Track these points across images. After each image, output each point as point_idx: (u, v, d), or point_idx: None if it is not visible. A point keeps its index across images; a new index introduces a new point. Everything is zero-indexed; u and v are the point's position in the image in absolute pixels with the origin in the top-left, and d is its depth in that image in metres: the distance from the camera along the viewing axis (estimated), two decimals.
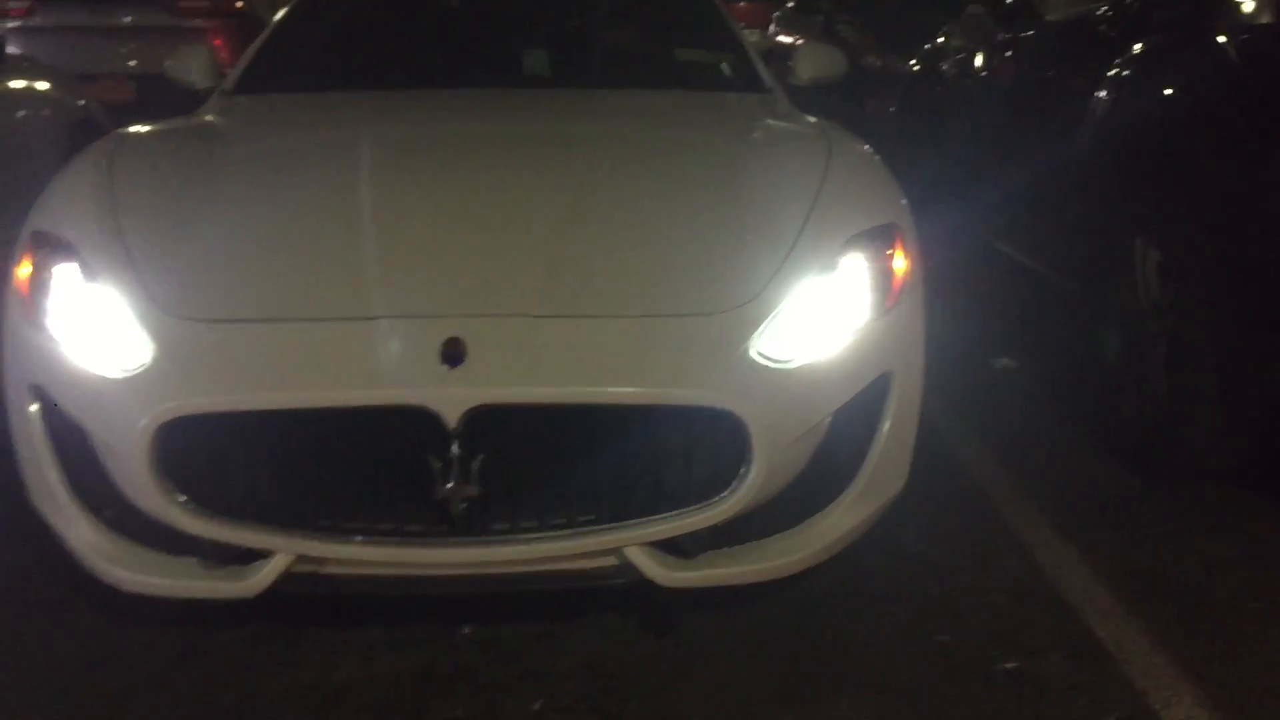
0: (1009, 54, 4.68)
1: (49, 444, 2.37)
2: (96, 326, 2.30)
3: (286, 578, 2.22)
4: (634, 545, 2.23)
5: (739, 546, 2.33)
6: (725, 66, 3.82)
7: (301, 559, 2.22)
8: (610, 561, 2.28)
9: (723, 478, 2.23)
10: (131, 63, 7.77)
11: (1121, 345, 3.29)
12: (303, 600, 2.31)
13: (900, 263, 2.49)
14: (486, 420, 2.12)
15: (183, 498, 2.19)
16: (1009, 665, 2.27)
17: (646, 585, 2.26)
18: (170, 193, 2.59)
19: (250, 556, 2.25)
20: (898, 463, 2.46)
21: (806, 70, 3.74)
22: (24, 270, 2.45)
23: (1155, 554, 2.72)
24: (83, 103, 5.96)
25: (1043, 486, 3.07)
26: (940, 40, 5.90)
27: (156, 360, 2.20)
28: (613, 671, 2.26)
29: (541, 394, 2.16)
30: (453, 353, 2.16)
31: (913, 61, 6.30)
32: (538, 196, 2.59)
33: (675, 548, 2.28)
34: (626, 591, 2.32)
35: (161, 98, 7.56)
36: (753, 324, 2.28)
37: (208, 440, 2.18)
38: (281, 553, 2.21)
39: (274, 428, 2.18)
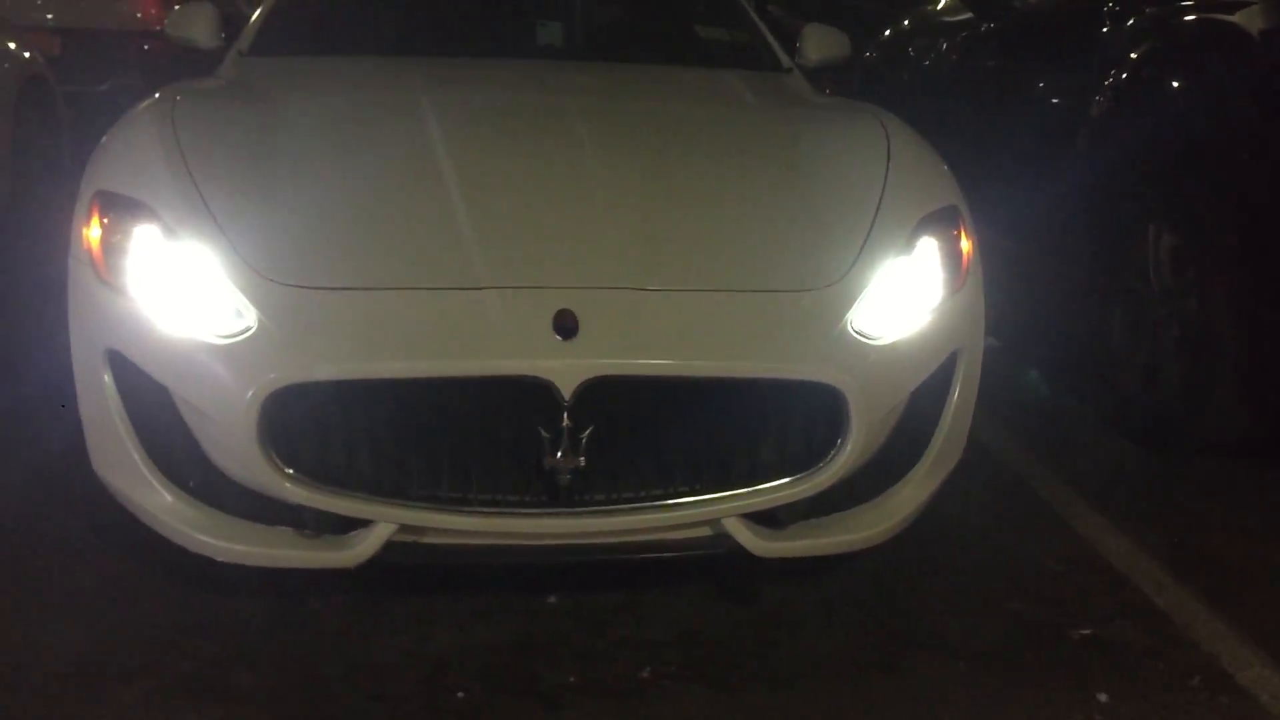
0: (993, 39, 4.79)
1: (124, 411, 2.32)
2: (186, 290, 2.25)
3: (388, 547, 2.21)
4: (731, 516, 2.28)
5: (827, 518, 2.39)
6: (741, 45, 3.86)
7: (403, 529, 2.21)
8: (705, 532, 2.32)
9: (817, 450, 2.28)
10: (49, 15, 7.48)
11: (1130, 328, 3.43)
12: (398, 570, 2.29)
13: (964, 244, 2.57)
14: (597, 392, 2.14)
15: (289, 469, 2.16)
16: (1083, 632, 2.37)
17: (741, 555, 2.31)
18: (242, 155, 2.54)
19: (346, 526, 2.24)
20: (960, 436, 2.55)
21: (814, 51, 3.79)
22: (94, 231, 2.38)
23: (1184, 527, 2.85)
24: (29, 55, 5.74)
25: (1064, 462, 3.19)
26: (905, 24, 6.01)
27: (261, 327, 2.17)
28: (710, 640, 2.30)
29: (655, 367, 2.19)
30: (565, 325, 2.17)
31: (869, 52, 6.37)
32: (617, 169, 2.61)
33: (769, 519, 2.33)
34: (715, 562, 2.38)
35: (89, 53, 7.39)
36: (847, 301, 2.33)
37: (310, 409, 2.16)
38: (384, 522, 2.20)
39: (380, 397, 2.16)
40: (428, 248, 2.33)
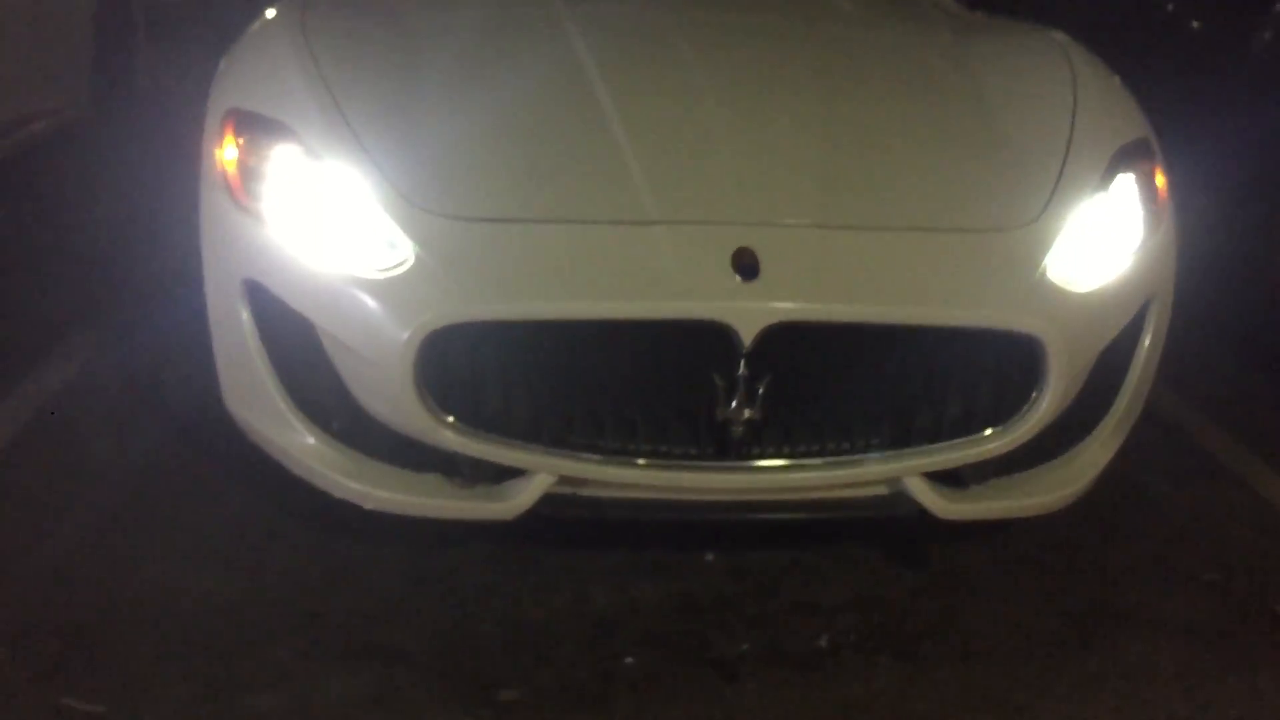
0: None
1: (262, 346, 2.17)
2: (332, 217, 2.08)
3: (546, 499, 2.06)
4: (914, 475, 2.10)
5: (1011, 478, 2.21)
6: None
7: (562, 480, 2.06)
8: (882, 491, 2.15)
9: (1007, 405, 2.09)
10: None
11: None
12: (554, 523, 2.14)
13: (1160, 180, 2.35)
14: (779, 338, 1.96)
15: (449, 416, 2.01)
16: None
17: (921, 517, 2.14)
18: (382, 73, 2.34)
19: (500, 475, 2.09)
20: (1144, 391, 2.35)
21: None
22: (228, 152, 2.22)
23: None
24: None
25: (1237, 421, 2.96)
26: None
27: (418, 260, 1.99)
28: (888, 606, 2.14)
29: (845, 312, 1.99)
30: (746, 264, 1.98)
31: None
32: (787, 96, 2.39)
33: (952, 478, 2.15)
34: (883, 521, 2.22)
35: None
36: (1043, 244, 2.13)
37: (468, 349, 1.99)
38: (543, 473, 2.05)
39: (543, 339, 1.99)
40: (590, 177, 2.14)
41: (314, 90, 2.24)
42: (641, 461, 2.04)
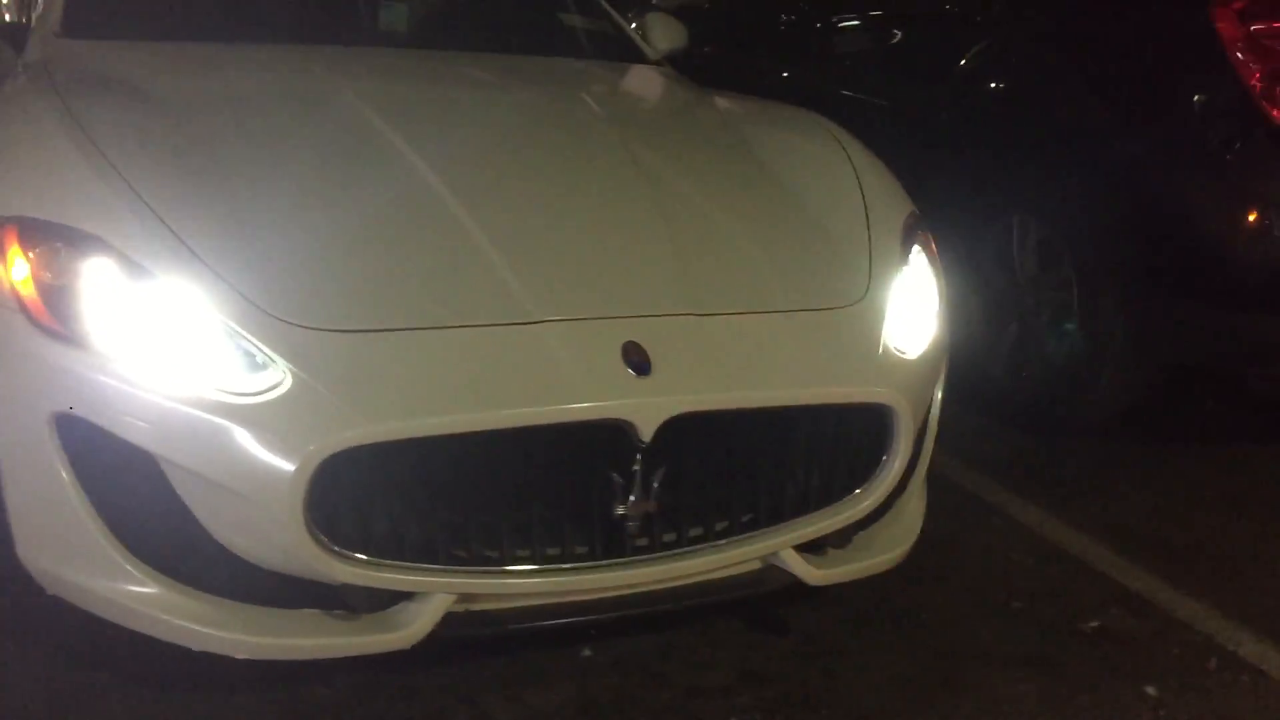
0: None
1: (80, 488, 1.92)
2: (177, 339, 1.88)
3: (446, 620, 1.95)
4: (787, 548, 2.18)
5: (860, 539, 2.34)
6: (600, 34, 3.68)
7: (461, 598, 1.95)
8: (756, 567, 2.21)
9: (859, 471, 2.22)
10: None
11: (996, 318, 3.60)
12: (450, 644, 2.01)
13: (932, 246, 2.58)
14: (671, 429, 1.98)
15: (336, 546, 1.85)
16: (1092, 624, 2.45)
17: (791, 589, 2.22)
18: (190, 171, 2.15)
19: (388, 602, 1.95)
20: (933, 440, 2.57)
21: (662, 41, 3.69)
22: (16, 270, 1.94)
23: (1106, 506, 3.01)
24: None
25: (971, 453, 3.28)
26: None
27: (297, 380, 1.83)
28: (773, 678, 2.19)
29: (733, 399, 2.04)
30: (636, 360, 1.99)
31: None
32: (615, 191, 2.42)
33: (812, 547, 2.25)
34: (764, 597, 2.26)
35: None
36: (877, 318, 2.28)
37: (355, 473, 1.85)
38: (442, 593, 1.93)
39: (435, 451, 1.89)
40: (458, 279, 2.06)
41: (119, 193, 2.02)
42: (542, 568, 1.98)
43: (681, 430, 1.99)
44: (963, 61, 3.73)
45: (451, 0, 3.71)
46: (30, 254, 1.94)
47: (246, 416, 1.82)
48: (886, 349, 2.24)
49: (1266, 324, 3.06)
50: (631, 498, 1.97)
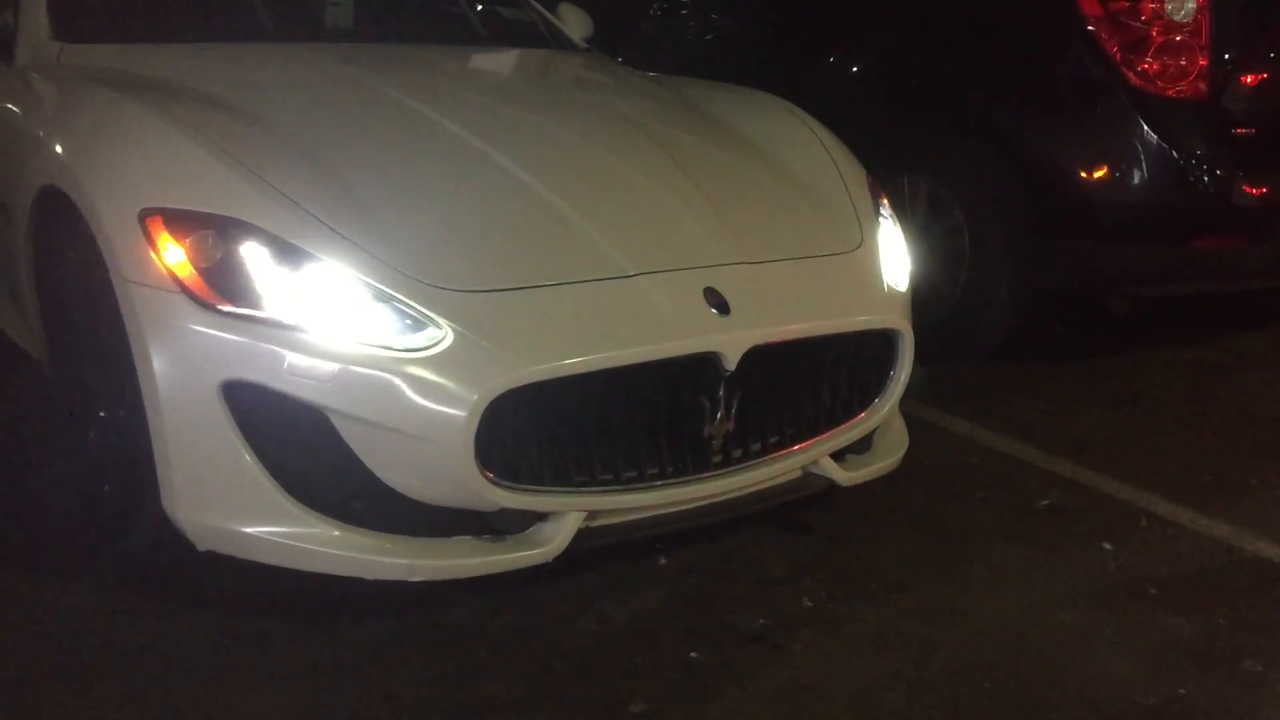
0: None
1: (251, 448, 2.14)
2: (340, 304, 2.13)
3: (580, 534, 2.27)
4: (825, 455, 2.59)
5: (873, 445, 2.77)
6: (524, 23, 3.98)
7: (589, 514, 2.28)
8: (798, 474, 2.61)
9: (870, 388, 2.65)
10: None
11: None
12: (582, 555, 2.34)
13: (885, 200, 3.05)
14: (751, 360, 2.35)
15: (490, 474, 2.14)
16: (1044, 503, 2.99)
17: (826, 491, 2.63)
18: (293, 155, 2.36)
19: (525, 523, 2.25)
20: None
21: (577, 30, 4.03)
22: (171, 255, 2.14)
23: (1016, 413, 3.57)
24: None
25: None
26: None
27: (459, 335, 2.11)
28: (823, 566, 2.61)
29: (794, 330, 2.44)
30: (718, 301, 2.35)
31: None
32: (639, 160, 2.74)
33: (837, 455, 2.67)
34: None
35: None
36: (875, 260, 2.72)
37: (508, 411, 2.15)
38: (575, 512, 2.25)
39: (567, 390, 2.20)
40: (558, 242, 2.37)
41: (246, 179, 2.23)
42: (650, 485, 2.33)
43: (751, 359, 2.37)
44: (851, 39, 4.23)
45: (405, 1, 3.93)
46: (182, 240, 2.13)
47: (417, 369, 2.09)
48: (890, 286, 2.68)
49: (1125, 254, 3.69)
50: (717, 419, 2.34)
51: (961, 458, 3.27)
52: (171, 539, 2.26)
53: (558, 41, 3.83)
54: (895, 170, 4.05)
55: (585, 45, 3.87)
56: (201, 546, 2.23)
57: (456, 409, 2.07)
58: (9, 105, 2.83)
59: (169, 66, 2.84)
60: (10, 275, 2.88)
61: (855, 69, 4.28)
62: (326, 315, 2.11)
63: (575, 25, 4.00)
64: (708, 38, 5.28)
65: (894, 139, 4.03)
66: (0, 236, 2.88)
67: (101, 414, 2.48)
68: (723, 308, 2.35)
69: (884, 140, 4.02)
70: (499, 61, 3.44)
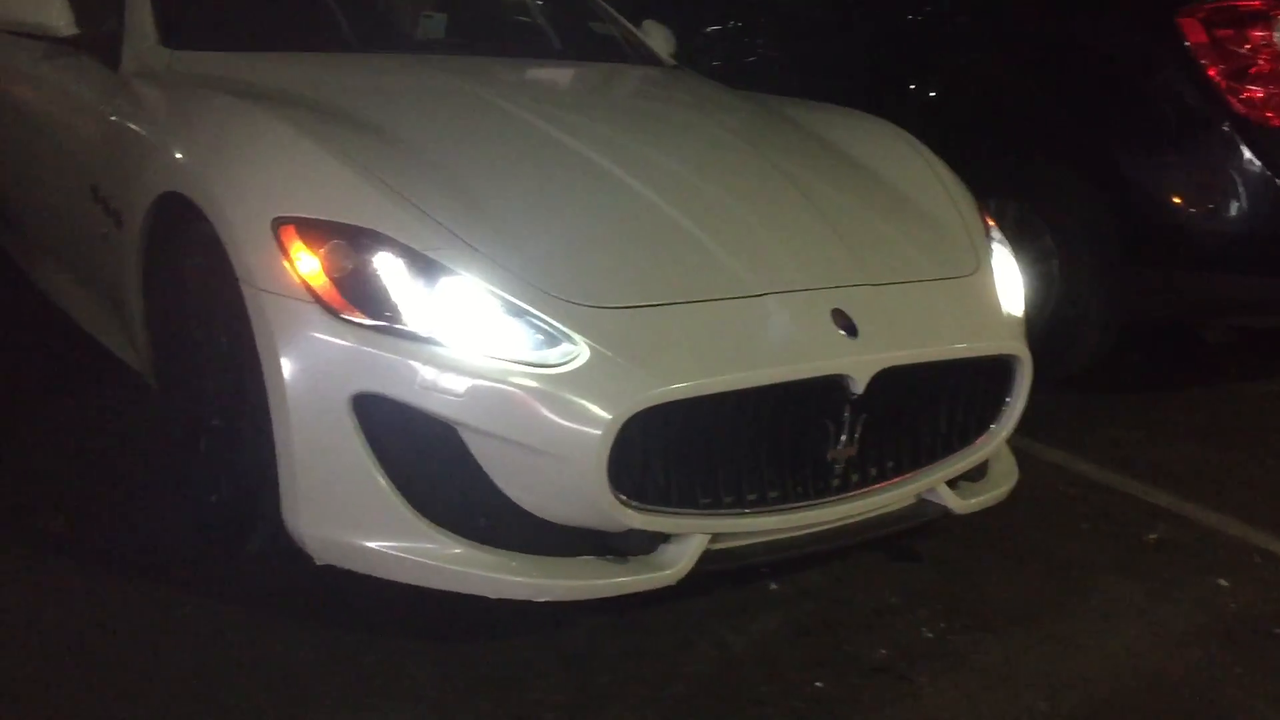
0: None
1: (378, 462, 2.10)
2: (474, 318, 2.10)
3: (703, 557, 2.22)
4: (940, 483, 2.54)
5: (984, 474, 2.72)
6: (617, 39, 3.95)
7: (714, 537, 2.23)
8: (911, 501, 2.56)
9: (989, 413, 2.60)
10: None
11: None
12: (710, 577, 2.30)
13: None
14: (876, 383, 2.31)
15: (622, 495, 2.10)
16: (1150, 536, 2.93)
17: (939, 518, 2.58)
18: (418, 167, 2.33)
19: (649, 545, 2.21)
20: None
21: (664, 47, 4.00)
22: (304, 265, 2.12)
23: (1113, 444, 3.50)
24: None
25: None
26: None
27: (594, 352, 2.08)
28: (935, 595, 2.56)
29: (920, 354, 2.39)
30: (845, 322, 2.31)
31: None
32: (755, 180, 2.71)
33: (953, 482, 2.62)
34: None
35: None
36: (991, 285, 2.67)
37: (637, 431, 2.11)
38: (700, 534, 2.21)
39: (697, 410, 2.16)
40: (683, 260, 2.34)
41: (381, 190, 2.21)
42: (773, 508, 2.29)
43: (875, 383, 2.32)
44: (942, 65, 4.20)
45: (496, 14, 3.91)
46: (316, 250, 2.11)
47: (552, 385, 2.05)
48: (1008, 311, 2.64)
49: (1227, 283, 3.63)
50: (840, 443, 2.30)
51: (1061, 488, 3.21)
52: (286, 551, 2.23)
53: (645, 57, 3.81)
54: (982, 193, 3.98)
55: (673, 62, 3.84)
56: (320, 560, 2.20)
57: (592, 427, 2.03)
58: (119, 112, 2.83)
59: (281, 75, 2.82)
60: (113, 283, 2.87)
61: (943, 92, 4.24)
62: (460, 329, 2.08)
63: (661, 42, 3.98)
64: (749, 59, 5.27)
65: (982, 162, 3.97)
66: (102, 243, 2.87)
67: (215, 423, 2.46)
68: (851, 330, 2.31)
69: (971, 163, 3.98)
70: (598, 77, 3.42)
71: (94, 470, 2.83)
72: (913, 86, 4.30)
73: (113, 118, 2.84)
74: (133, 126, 2.73)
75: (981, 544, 2.82)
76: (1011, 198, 3.97)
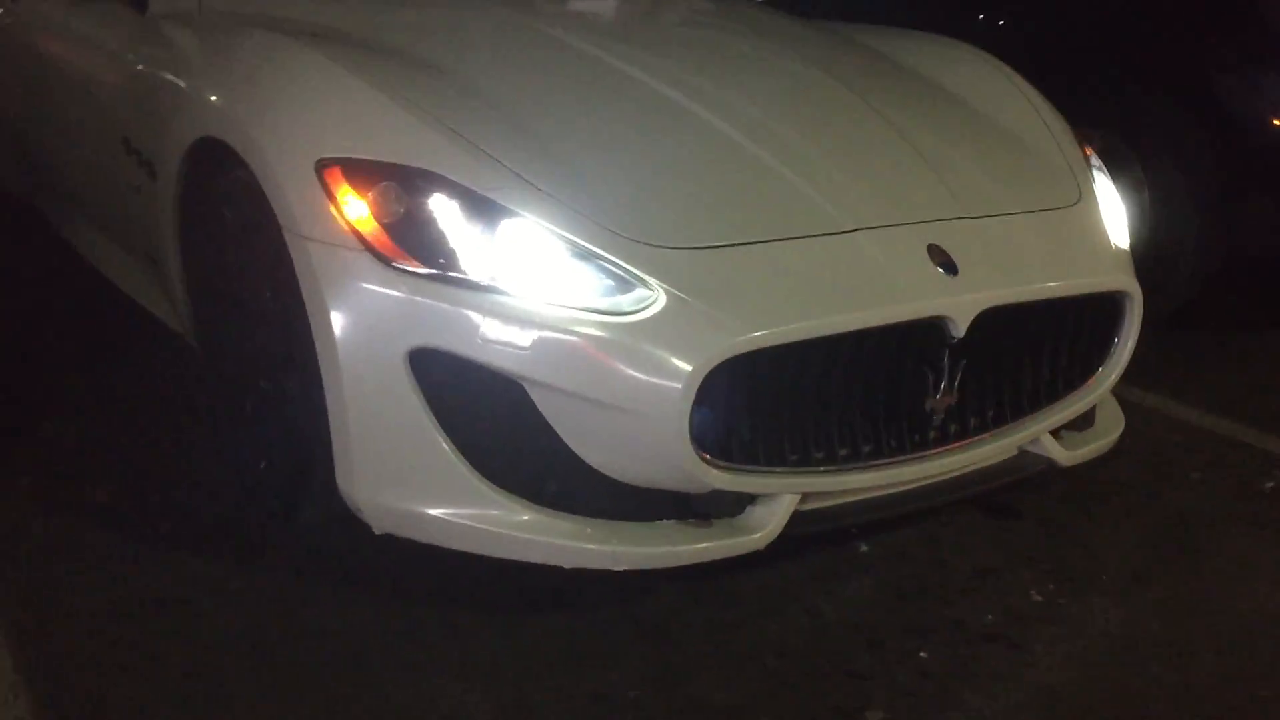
0: None
1: (438, 422, 1.92)
2: (543, 265, 1.90)
3: (795, 518, 2.04)
4: (1045, 433, 2.33)
5: (1090, 422, 2.50)
6: None
7: (805, 497, 2.05)
8: (1013, 453, 2.35)
9: (1095, 354, 2.38)
10: None
11: None
12: (802, 540, 2.11)
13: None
14: (978, 325, 2.10)
15: (705, 453, 1.91)
16: (1267, 485, 2.71)
17: (1045, 472, 2.37)
18: (478, 105, 2.14)
19: (736, 506, 2.03)
20: None
21: None
22: (353, 209, 1.93)
23: (1214, 388, 3.26)
24: None
25: None
26: None
27: (671, 296, 1.88)
28: (1038, 555, 2.36)
29: (1024, 292, 2.17)
30: (944, 259, 2.10)
31: None
32: (839, 111, 2.50)
33: (1055, 432, 2.40)
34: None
35: None
36: (1096, 216, 2.45)
37: (720, 382, 1.91)
38: (789, 493, 2.02)
39: (784, 358, 1.96)
40: (766, 195, 2.13)
41: (432, 126, 2.01)
42: (868, 464, 2.09)
43: (985, 325, 2.11)
44: None
45: None
46: (364, 193, 1.93)
47: (626, 335, 1.86)
48: (1115, 244, 2.41)
49: None
50: (939, 391, 2.09)
51: (1164, 435, 2.98)
52: (342, 520, 2.07)
53: None
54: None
55: None
56: (379, 529, 2.03)
57: (670, 380, 1.84)
58: (149, 56, 2.65)
59: (324, 12, 2.62)
60: (148, 239, 2.71)
61: (1018, 17, 3.97)
62: (524, 275, 1.89)
63: None
64: None
65: (1062, 89, 3.71)
66: (136, 197, 2.70)
67: (262, 384, 2.29)
68: (949, 267, 2.10)
69: (1050, 90, 3.73)
70: (669, 8, 3.19)
71: (137, 439, 2.68)
72: (989, 9, 4.03)
73: (141, 64, 2.66)
74: (163, 71, 2.55)
75: (1084, 498, 2.61)
76: (1096, 127, 3.70)
